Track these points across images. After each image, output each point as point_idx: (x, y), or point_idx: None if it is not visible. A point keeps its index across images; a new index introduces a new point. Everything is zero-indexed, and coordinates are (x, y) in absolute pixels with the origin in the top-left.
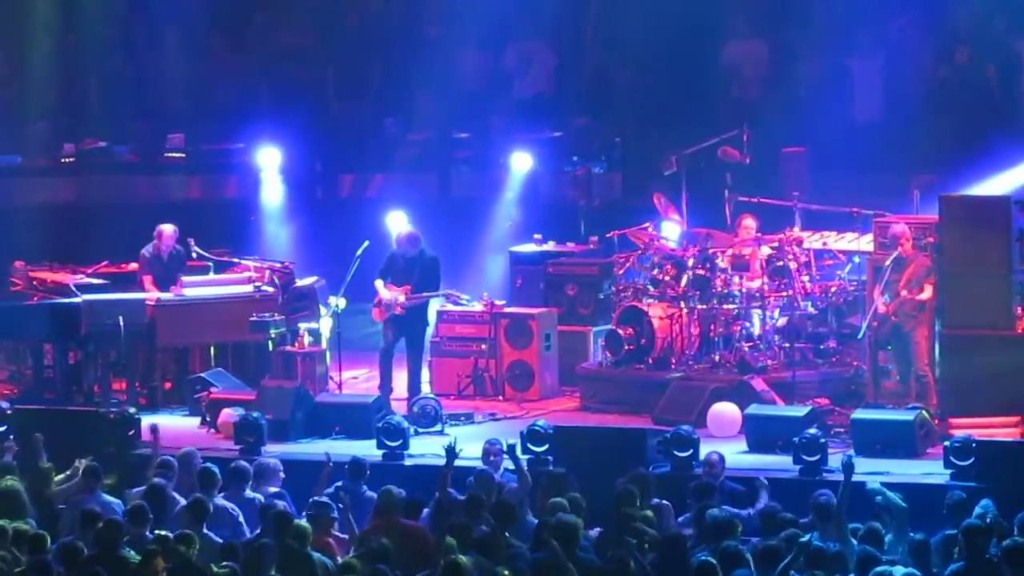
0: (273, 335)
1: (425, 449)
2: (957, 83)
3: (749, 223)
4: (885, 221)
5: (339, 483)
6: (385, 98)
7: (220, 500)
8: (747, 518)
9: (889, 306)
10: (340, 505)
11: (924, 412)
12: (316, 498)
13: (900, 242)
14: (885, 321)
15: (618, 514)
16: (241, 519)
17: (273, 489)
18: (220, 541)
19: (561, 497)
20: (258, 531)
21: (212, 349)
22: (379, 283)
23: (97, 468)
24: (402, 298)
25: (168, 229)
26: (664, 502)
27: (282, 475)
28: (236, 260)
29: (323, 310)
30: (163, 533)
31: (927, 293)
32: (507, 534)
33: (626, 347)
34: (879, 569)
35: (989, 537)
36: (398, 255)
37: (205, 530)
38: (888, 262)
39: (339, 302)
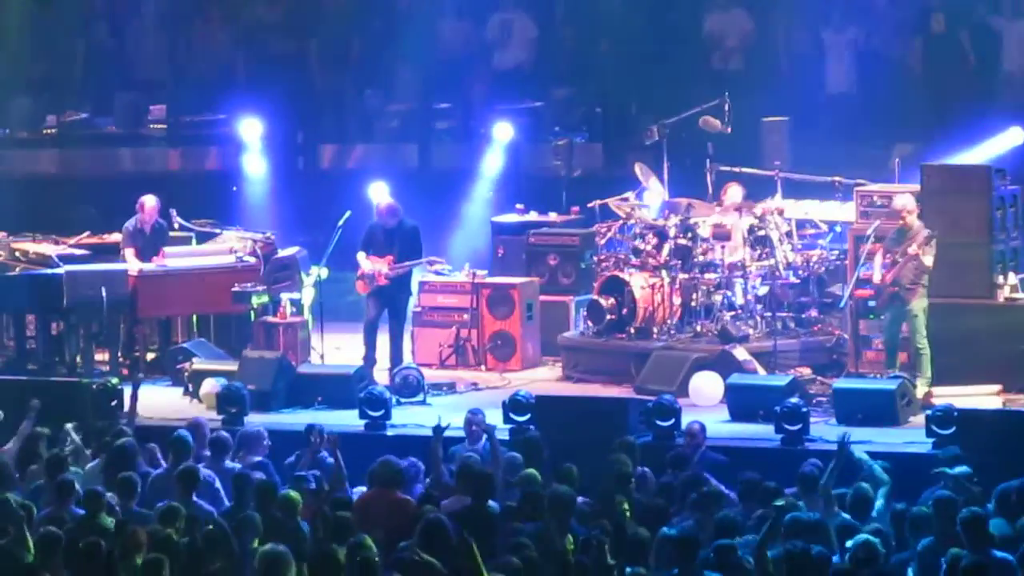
0: (255, 305)
1: (407, 419)
2: (934, 52)
3: (735, 191)
4: (886, 193)
5: (298, 451)
6: (365, 69)
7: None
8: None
9: (887, 275)
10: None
11: (906, 382)
12: (296, 472)
13: (903, 214)
14: (881, 291)
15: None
16: (219, 486)
17: (256, 459)
18: (210, 509)
19: (533, 461)
20: (234, 503)
21: (194, 319)
22: (361, 255)
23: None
24: (385, 269)
25: (150, 201)
26: (646, 470)
27: (267, 443)
28: (218, 231)
29: (305, 279)
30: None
31: (929, 259)
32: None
33: (608, 317)
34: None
35: (958, 509)
36: (378, 227)
37: (195, 498)
38: (871, 231)
39: (321, 272)
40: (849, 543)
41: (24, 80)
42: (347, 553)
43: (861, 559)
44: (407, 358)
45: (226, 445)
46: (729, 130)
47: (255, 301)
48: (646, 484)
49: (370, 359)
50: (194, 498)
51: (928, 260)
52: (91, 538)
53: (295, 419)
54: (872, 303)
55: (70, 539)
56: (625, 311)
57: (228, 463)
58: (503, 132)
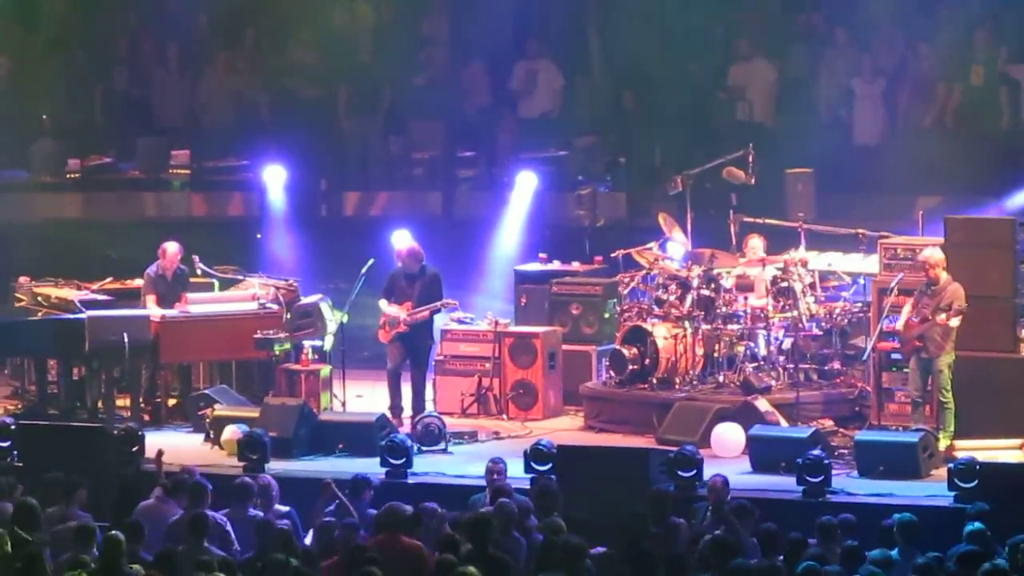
0: (277, 352)
1: (429, 468)
2: (964, 106)
3: (756, 243)
4: (910, 245)
5: (337, 501)
6: (390, 116)
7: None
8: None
9: (914, 327)
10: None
11: (929, 434)
12: (320, 520)
13: (928, 268)
14: (906, 342)
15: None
16: (230, 531)
17: (283, 508)
18: (222, 555)
19: (555, 512)
20: (257, 551)
21: (216, 366)
22: (383, 303)
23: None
24: (404, 315)
25: (172, 247)
26: (680, 520)
27: (275, 493)
28: (241, 277)
29: (328, 326)
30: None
31: (955, 322)
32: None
33: (630, 367)
34: None
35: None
36: (400, 273)
37: (206, 544)
38: (894, 283)
39: (343, 317)
40: None
41: (48, 124)
42: None
43: None
44: (428, 406)
45: (248, 492)
46: (753, 181)
47: (277, 348)
48: (678, 533)
49: (396, 407)
50: (205, 544)
51: (954, 323)
52: None
53: (316, 467)
54: (895, 356)
55: None
56: (648, 361)
57: (251, 511)
58: (527, 181)
